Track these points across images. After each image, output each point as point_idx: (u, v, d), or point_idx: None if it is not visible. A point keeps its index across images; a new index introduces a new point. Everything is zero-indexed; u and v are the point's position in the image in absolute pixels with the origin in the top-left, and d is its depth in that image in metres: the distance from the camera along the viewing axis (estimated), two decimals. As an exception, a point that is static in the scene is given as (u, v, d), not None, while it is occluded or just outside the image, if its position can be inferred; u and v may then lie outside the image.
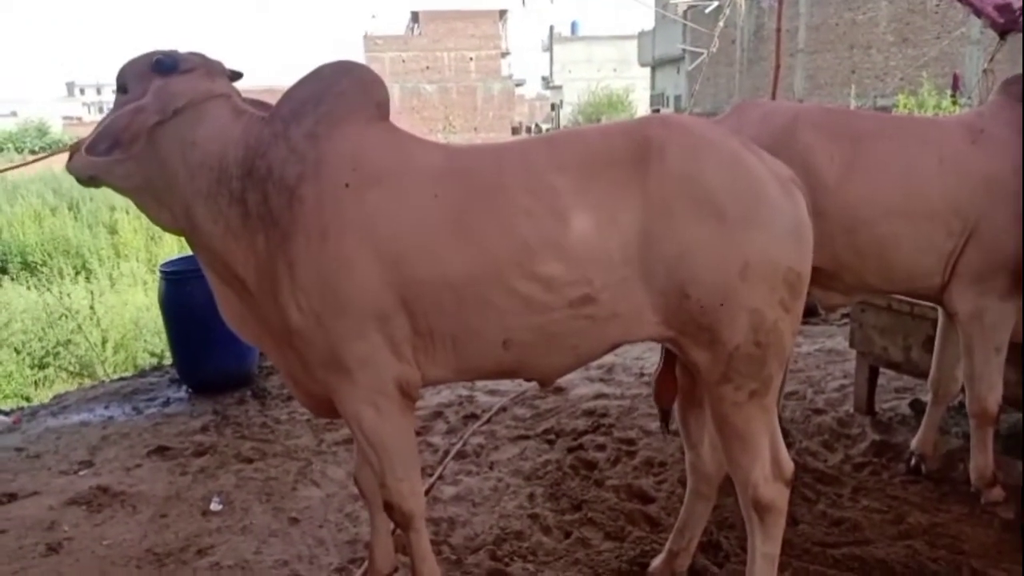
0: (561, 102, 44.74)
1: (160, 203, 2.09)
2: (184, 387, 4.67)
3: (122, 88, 2.08)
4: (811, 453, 3.43)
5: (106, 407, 4.46)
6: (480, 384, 4.42)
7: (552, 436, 3.75)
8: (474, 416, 4.05)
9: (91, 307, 7.88)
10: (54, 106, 53.18)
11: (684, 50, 24.77)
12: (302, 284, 1.94)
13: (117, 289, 12.40)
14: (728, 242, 1.83)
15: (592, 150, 1.93)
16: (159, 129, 2.00)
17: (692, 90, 21.98)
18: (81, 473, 3.54)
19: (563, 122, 41.50)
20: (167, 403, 4.47)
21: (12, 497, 3.31)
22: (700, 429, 2.30)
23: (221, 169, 2.02)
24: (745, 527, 2.15)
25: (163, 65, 2.04)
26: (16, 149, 28.01)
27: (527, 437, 3.77)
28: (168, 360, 6.03)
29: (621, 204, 1.85)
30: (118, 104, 2.09)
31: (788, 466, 2.07)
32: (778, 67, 4.89)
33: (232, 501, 3.19)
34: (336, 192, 1.93)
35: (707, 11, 22.67)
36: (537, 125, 41.98)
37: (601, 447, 3.57)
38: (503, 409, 4.13)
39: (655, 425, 3.80)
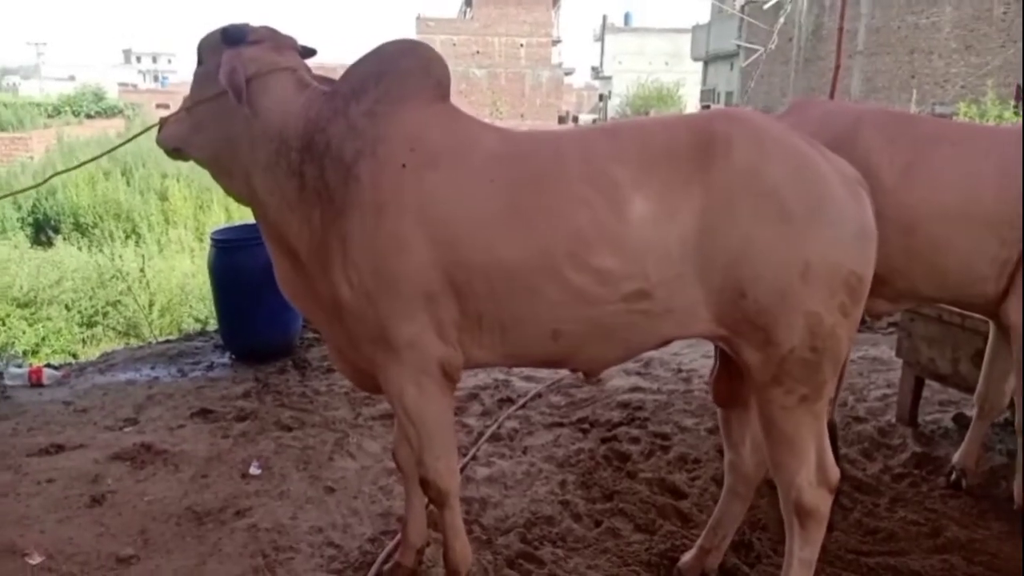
0: (610, 93, 44.35)
1: (229, 174, 2.15)
2: (227, 353, 4.77)
3: (200, 60, 2.15)
4: (850, 461, 3.37)
5: (152, 368, 4.58)
6: (516, 369, 4.44)
7: (586, 425, 3.75)
8: (509, 400, 4.07)
9: (141, 270, 8.07)
10: (111, 72, 54.25)
11: (739, 46, 24.34)
12: (354, 261, 1.97)
13: (165, 255, 12.72)
14: (790, 242, 1.80)
15: (654, 142, 1.91)
16: (225, 99, 2.05)
17: (746, 87, 21.63)
18: (126, 430, 3.64)
19: (611, 113, 41.14)
20: (211, 368, 4.57)
21: (60, 448, 3.42)
22: (742, 428, 2.28)
23: (281, 141, 2.05)
24: (778, 529, 2.13)
25: (230, 36, 2.08)
26: (73, 112, 28.62)
27: (561, 425, 3.78)
28: (212, 327, 6.18)
29: (682, 198, 1.84)
30: (195, 76, 2.16)
31: (834, 473, 2.05)
32: (838, 67, 4.79)
33: (271, 466, 3.26)
34: (393, 171, 1.94)
35: (765, 7, 22.27)
36: (576, 117, 41.61)
37: (635, 440, 3.57)
38: (538, 395, 4.14)
39: (691, 421, 3.78)
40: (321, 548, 2.68)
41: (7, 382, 4.33)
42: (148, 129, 2.38)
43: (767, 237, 1.80)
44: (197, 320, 8.25)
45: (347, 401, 4.00)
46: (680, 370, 4.53)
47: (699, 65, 33.71)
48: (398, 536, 2.65)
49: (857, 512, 2.94)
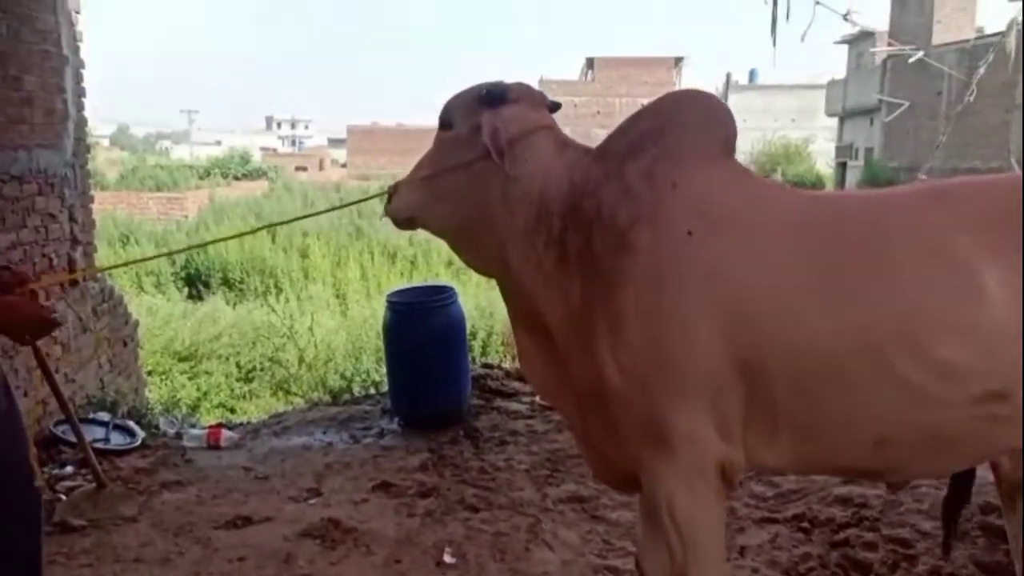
0: (733, 151, 43.53)
1: (476, 243, 1.96)
2: (396, 419, 4.62)
3: (445, 124, 1.98)
4: None
5: (324, 432, 4.50)
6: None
7: (806, 524, 3.29)
8: (704, 487, 3.66)
9: (310, 329, 8.20)
10: (253, 138, 58.20)
11: (881, 100, 23.32)
12: (627, 342, 1.70)
13: (304, 310, 13.07)
14: None
15: (1003, 202, 1.57)
16: (479, 165, 1.86)
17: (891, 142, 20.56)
18: (311, 502, 3.50)
19: (734, 171, 40.20)
20: (382, 435, 4.43)
21: (247, 520, 3.31)
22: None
23: (541, 205, 1.85)
24: None
25: (492, 96, 1.91)
26: (222, 174, 30.66)
27: (774, 521, 3.35)
28: (357, 386, 6.14)
29: None
30: (440, 141, 1.99)
31: None
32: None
33: (465, 554, 3.01)
34: (676, 239, 1.68)
35: (910, 61, 21.22)
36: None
37: (870, 546, 3.08)
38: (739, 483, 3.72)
39: (929, 525, 3.25)
40: (540, 661, 2.37)
41: (186, 443, 4.33)
42: (375, 196, 2.24)
43: None
44: (343, 377, 8.25)
45: (530, 480, 3.73)
46: (897, 459, 3.99)
47: (829, 121, 32.61)
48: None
49: None
